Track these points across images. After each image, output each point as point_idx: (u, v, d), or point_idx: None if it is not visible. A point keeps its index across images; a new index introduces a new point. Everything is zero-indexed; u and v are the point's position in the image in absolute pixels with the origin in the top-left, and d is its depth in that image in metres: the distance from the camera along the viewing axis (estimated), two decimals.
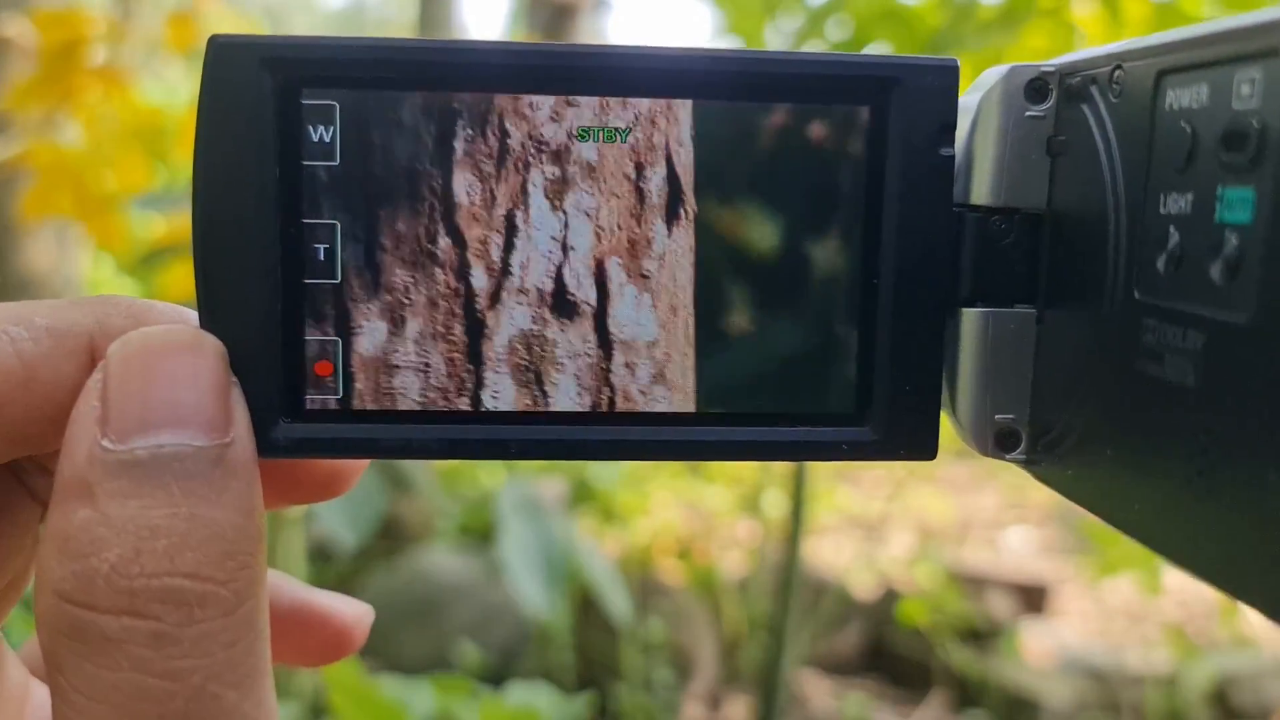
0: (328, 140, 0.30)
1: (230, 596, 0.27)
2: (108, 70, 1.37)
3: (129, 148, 1.41)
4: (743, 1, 1.59)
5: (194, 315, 0.31)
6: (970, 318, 0.33)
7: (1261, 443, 0.23)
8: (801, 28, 1.61)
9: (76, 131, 1.51)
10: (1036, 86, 0.32)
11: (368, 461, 0.35)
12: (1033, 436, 0.33)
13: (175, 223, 1.58)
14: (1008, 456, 0.33)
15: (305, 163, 0.31)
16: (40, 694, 0.35)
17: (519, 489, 1.77)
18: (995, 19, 1.39)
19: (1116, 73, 0.29)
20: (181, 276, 1.32)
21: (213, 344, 0.29)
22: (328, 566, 2.06)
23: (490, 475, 2.78)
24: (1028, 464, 0.33)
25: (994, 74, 0.32)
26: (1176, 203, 0.26)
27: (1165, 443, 0.26)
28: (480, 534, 2.38)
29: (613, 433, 0.32)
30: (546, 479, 2.56)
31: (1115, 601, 2.86)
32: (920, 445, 0.33)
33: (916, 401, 0.32)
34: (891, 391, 0.32)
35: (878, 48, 1.40)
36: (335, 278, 0.31)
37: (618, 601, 1.78)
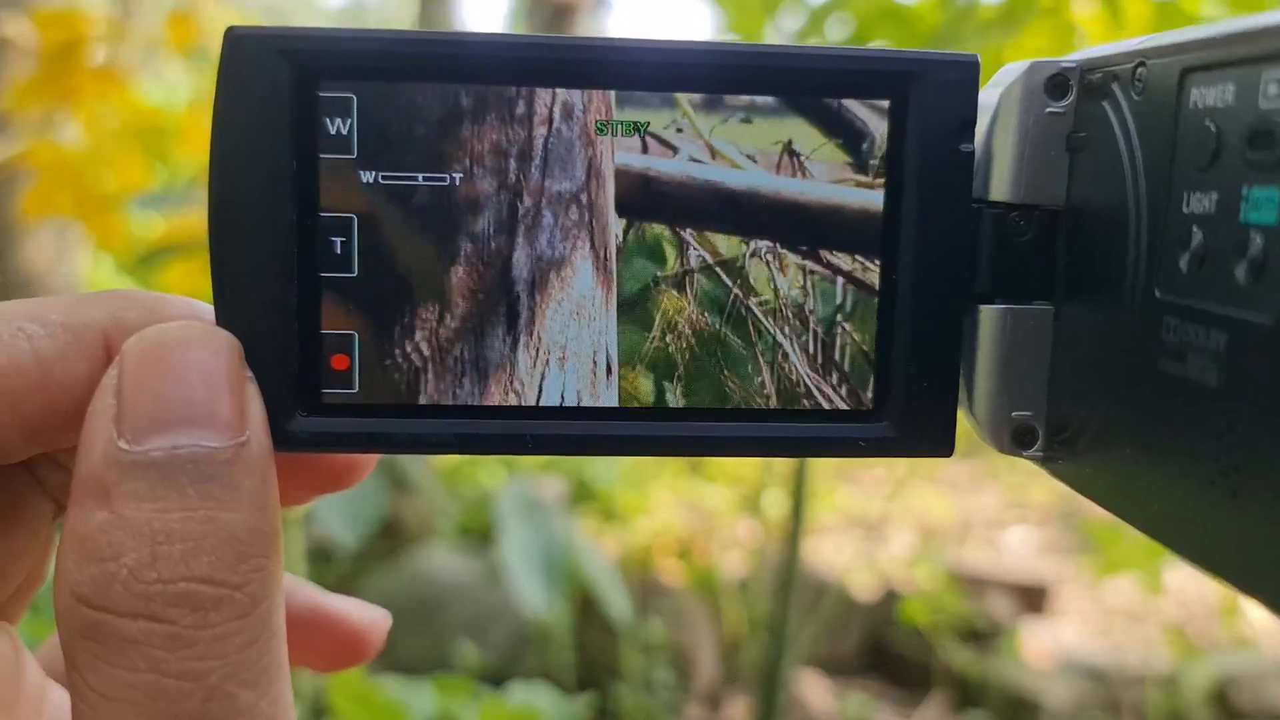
0: (345, 133, 0.30)
1: (245, 599, 0.27)
2: (108, 70, 1.37)
3: (129, 147, 1.40)
4: (743, 1, 1.59)
5: (208, 309, 0.31)
6: (988, 314, 0.32)
7: None
8: (802, 27, 1.61)
9: (76, 131, 1.50)
10: (1057, 83, 0.31)
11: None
12: (1049, 433, 0.33)
13: (175, 222, 1.58)
14: (1024, 453, 0.33)
15: (322, 155, 0.30)
16: (58, 696, 0.35)
17: (519, 489, 1.77)
18: (995, 18, 1.40)
19: (1139, 70, 0.29)
20: (181, 276, 1.32)
21: (227, 340, 0.29)
22: (328, 567, 2.06)
23: (490, 475, 2.78)
24: (1044, 461, 0.33)
25: (1014, 70, 0.32)
26: (1200, 202, 0.26)
27: (1187, 443, 0.26)
28: (480, 534, 2.38)
29: (628, 428, 0.32)
30: (546, 479, 2.56)
31: (1115, 602, 2.86)
32: (937, 442, 0.33)
33: (934, 398, 0.32)
34: (909, 388, 0.32)
35: (878, 47, 1.40)
36: (352, 271, 0.31)
37: (618, 601, 1.78)
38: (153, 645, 0.26)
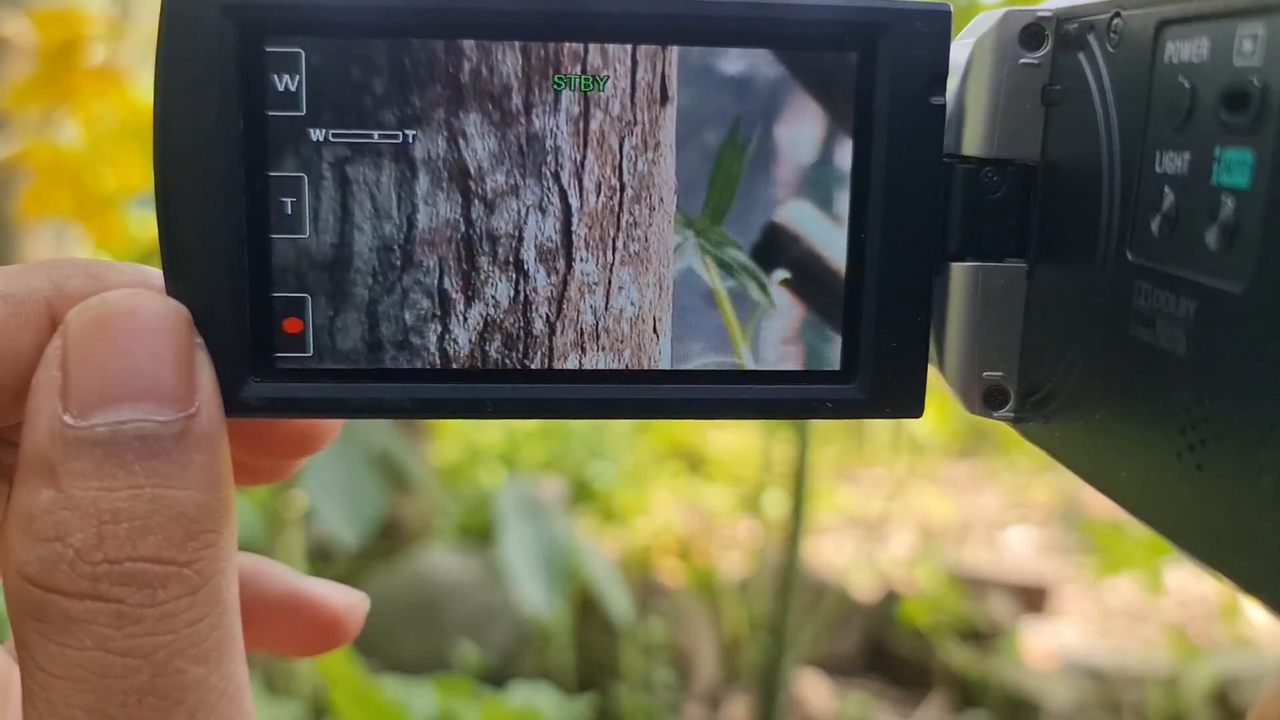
0: (293, 90, 0.29)
1: (193, 576, 0.27)
2: (106, 69, 1.37)
3: (127, 147, 1.40)
4: None
5: (157, 274, 0.30)
6: (959, 272, 0.32)
7: (1253, 419, 0.22)
8: None
9: (75, 131, 1.50)
10: (1032, 33, 0.31)
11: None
12: (1021, 394, 0.32)
13: None
14: (995, 414, 0.33)
15: (270, 113, 0.30)
16: None
17: (519, 489, 1.77)
18: None
19: (1115, 21, 0.28)
20: None
21: (173, 309, 0.28)
22: (327, 566, 2.05)
23: (490, 474, 2.78)
24: (1015, 422, 0.33)
25: (987, 19, 0.31)
26: (1173, 162, 0.25)
27: (1155, 411, 0.26)
28: (480, 534, 2.37)
29: (591, 391, 0.31)
30: (546, 478, 2.56)
31: (1116, 602, 2.85)
32: (907, 403, 0.32)
33: (904, 358, 0.32)
34: (878, 348, 0.32)
35: None
36: (303, 232, 0.30)
37: (618, 601, 1.78)
38: (99, 623, 0.26)
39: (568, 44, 0.30)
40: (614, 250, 0.31)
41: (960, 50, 0.31)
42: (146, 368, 0.27)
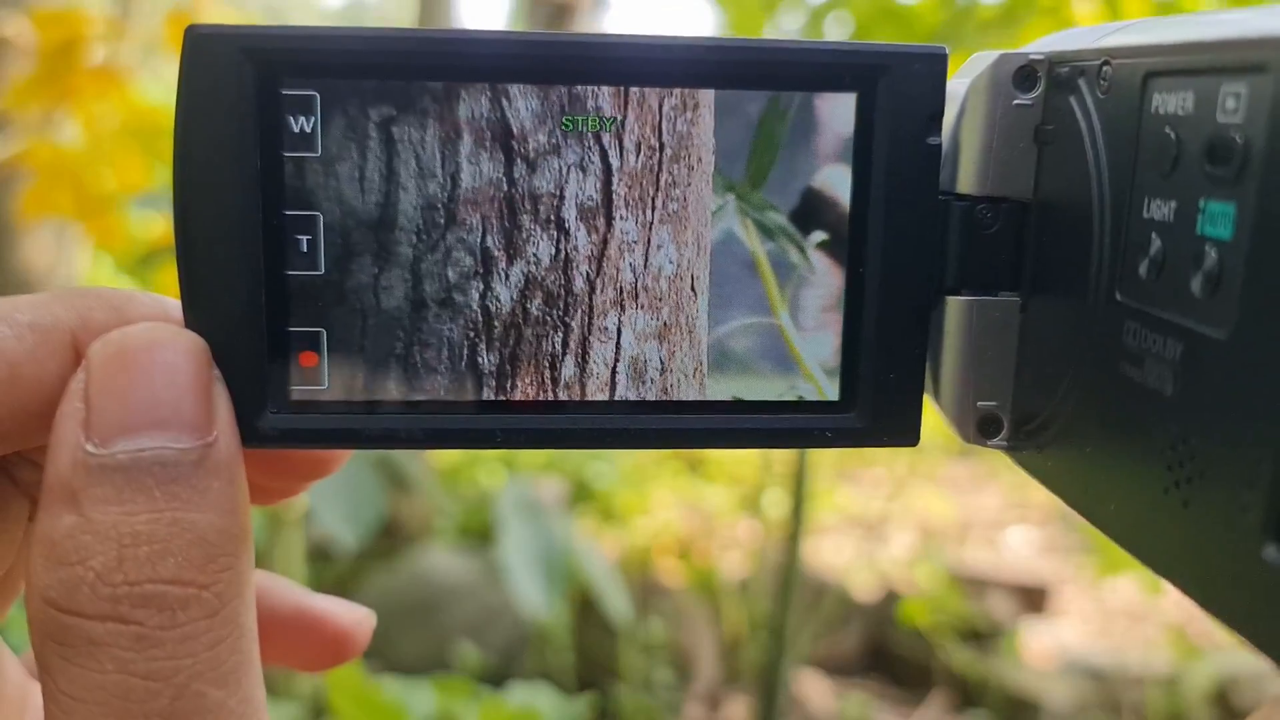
0: (309, 131, 0.30)
1: (212, 598, 0.27)
2: (107, 69, 1.37)
3: (128, 147, 1.40)
4: (743, 0, 1.60)
5: (177, 306, 0.31)
6: (955, 305, 0.33)
7: (1235, 461, 0.23)
8: (802, 27, 1.62)
9: (75, 131, 1.50)
10: (1025, 74, 0.31)
11: None
12: (1015, 423, 0.33)
13: None
14: (990, 443, 0.33)
15: (286, 154, 0.30)
16: (40, 696, 0.35)
17: (519, 489, 1.77)
18: (995, 18, 1.40)
19: (1104, 68, 0.29)
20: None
21: (192, 341, 0.29)
22: (327, 566, 2.06)
23: (490, 475, 2.78)
24: (1009, 450, 0.34)
25: (982, 60, 0.32)
26: (1160, 209, 0.26)
27: (1143, 447, 0.26)
28: (480, 534, 2.38)
29: (600, 422, 0.32)
30: (546, 479, 2.56)
31: (1116, 602, 2.86)
32: (904, 432, 0.33)
33: (901, 389, 0.32)
34: (876, 379, 0.32)
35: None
36: (318, 269, 0.31)
37: (617, 602, 1.78)
38: (120, 646, 0.26)
39: (574, 87, 0.31)
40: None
41: (955, 89, 0.32)
42: (166, 398, 0.28)
